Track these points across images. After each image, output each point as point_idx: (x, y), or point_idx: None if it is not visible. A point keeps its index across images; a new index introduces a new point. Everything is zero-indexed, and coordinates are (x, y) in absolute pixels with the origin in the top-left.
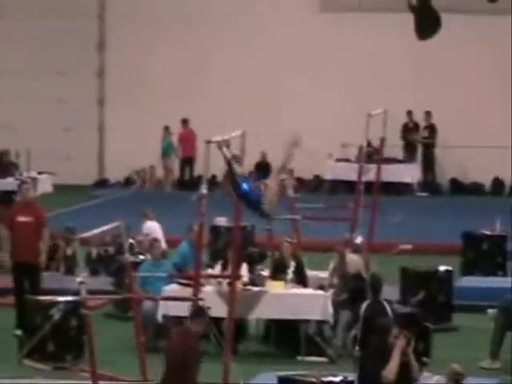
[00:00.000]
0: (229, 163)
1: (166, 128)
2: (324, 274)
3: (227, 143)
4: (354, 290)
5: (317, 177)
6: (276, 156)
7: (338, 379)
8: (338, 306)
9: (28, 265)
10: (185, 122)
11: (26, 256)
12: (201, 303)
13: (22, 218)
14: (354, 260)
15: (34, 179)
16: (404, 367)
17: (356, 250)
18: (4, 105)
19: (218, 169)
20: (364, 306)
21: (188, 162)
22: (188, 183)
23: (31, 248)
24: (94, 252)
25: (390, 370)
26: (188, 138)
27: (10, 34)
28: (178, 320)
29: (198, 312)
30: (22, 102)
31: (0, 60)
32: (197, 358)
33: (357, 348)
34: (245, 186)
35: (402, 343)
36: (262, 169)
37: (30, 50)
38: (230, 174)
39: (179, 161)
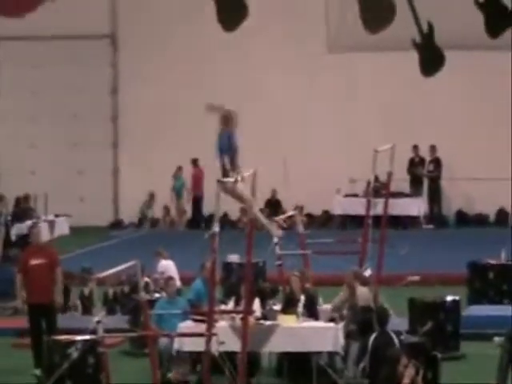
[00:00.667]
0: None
1: (179, 168)
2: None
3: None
4: (362, 322)
5: (326, 212)
6: (286, 194)
7: None
8: (347, 337)
9: (43, 306)
10: (195, 161)
11: (41, 297)
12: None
13: (34, 261)
14: (363, 292)
15: (52, 222)
16: None
17: (365, 282)
18: (21, 150)
19: (230, 206)
20: (372, 337)
21: (198, 200)
22: (198, 222)
23: (46, 289)
24: (111, 291)
25: None
26: (199, 178)
27: (26, 80)
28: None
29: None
30: (38, 147)
31: (16, 106)
32: None
33: (366, 379)
34: None
35: (411, 372)
36: (273, 206)
37: (45, 96)
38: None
39: (192, 200)
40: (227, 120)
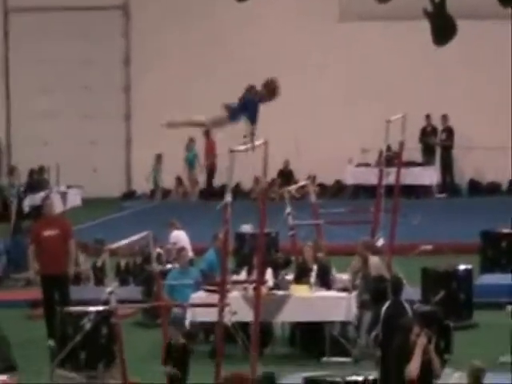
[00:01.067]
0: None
1: (191, 139)
2: (347, 276)
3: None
4: (375, 292)
5: (338, 182)
6: (298, 164)
7: (361, 378)
8: (360, 307)
9: (56, 276)
10: (207, 133)
11: (54, 268)
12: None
13: (47, 232)
14: (375, 262)
15: (64, 193)
16: (426, 365)
17: (377, 252)
18: (34, 121)
19: (243, 177)
20: (384, 307)
21: (211, 171)
22: (211, 192)
23: (59, 260)
24: (123, 262)
25: (413, 367)
26: (211, 149)
27: (37, 52)
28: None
29: None
30: (50, 118)
31: (28, 78)
32: None
33: (378, 348)
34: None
35: (424, 341)
36: (285, 176)
37: (58, 68)
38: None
39: (206, 171)
40: (273, 92)
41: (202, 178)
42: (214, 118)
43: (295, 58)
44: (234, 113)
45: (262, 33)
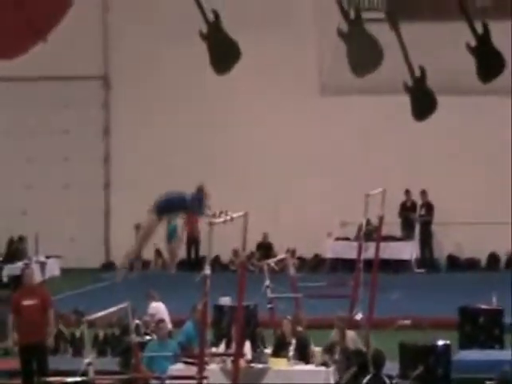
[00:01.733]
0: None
1: None
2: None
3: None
4: (359, 366)
5: (317, 256)
6: (278, 237)
7: None
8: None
9: (35, 346)
10: None
11: (32, 337)
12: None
13: (27, 302)
14: (352, 336)
15: (43, 263)
16: None
17: (355, 326)
18: (15, 190)
19: (222, 249)
20: (365, 381)
21: (193, 242)
22: (193, 264)
23: (38, 330)
24: (101, 333)
25: None
26: (193, 220)
27: (20, 122)
28: None
29: None
30: (29, 189)
31: (10, 147)
32: None
33: None
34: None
35: None
36: (264, 249)
37: (39, 138)
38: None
39: (185, 243)
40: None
41: (181, 250)
42: (146, 224)
43: (275, 131)
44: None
45: (244, 107)
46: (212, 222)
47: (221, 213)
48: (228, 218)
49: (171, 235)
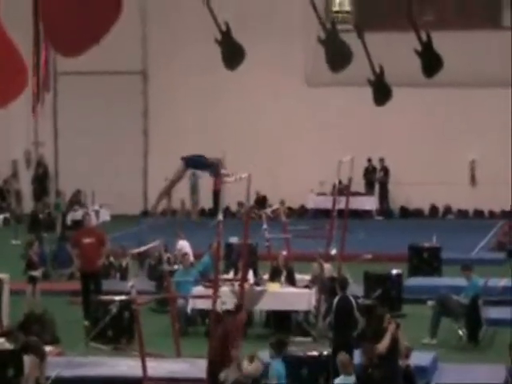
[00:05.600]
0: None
1: (192, 172)
2: (308, 277)
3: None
4: (330, 289)
5: (302, 206)
6: (272, 191)
7: (317, 353)
8: (319, 301)
9: (92, 273)
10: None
11: (90, 267)
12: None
13: (86, 240)
14: (327, 267)
15: (97, 211)
16: (394, 344)
17: (331, 259)
18: (76, 157)
19: (232, 200)
20: (335, 300)
21: (217, 194)
22: (214, 211)
23: (94, 261)
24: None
25: (382, 346)
26: (218, 179)
27: (78, 107)
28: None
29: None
30: (88, 156)
31: (71, 124)
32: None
33: (330, 330)
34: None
35: (394, 327)
36: (260, 202)
37: (94, 119)
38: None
39: (212, 194)
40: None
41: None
42: (176, 172)
43: (273, 113)
44: (189, 163)
45: (248, 94)
46: (225, 181)
47: (231, 175)
48: (238, 178)
49: (193, 189)
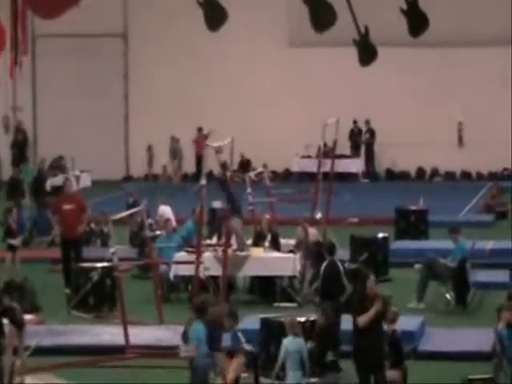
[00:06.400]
0: (223, 167)
1: (173, 137)
2: (292, 242)
3: (220, 149)
4: (315, 254)
5: (287, 170)
6: (257, 154)
7: (303, 319)
8: (304, 266)
9: (73, 240)
10: (200, 129)
11: (71, 234)
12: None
13: (67, 206)
14: (313, 232)
15: (77, 176)
16: (379, 316)
17: (315, 223)
18: (57, 122)
19: (215, 165)
20: (323, 265)
21: (200, 159)
22: (197, 176)
23: (74, 228)
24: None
25: (363, 320)
26: (202, 141)
27: (58, 70)
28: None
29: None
30: (69, 120)
31: (51, 89)
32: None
33: (318, 295)
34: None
35: (379, 305)
36: (244, 165)
37: (74, 82)
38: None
39: (195, 158)
40: None
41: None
42: None
43: (256, 75)
44: None
45: (231, 55)
46: (207, 145)
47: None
48: (221, 144)
49: (175, 153)
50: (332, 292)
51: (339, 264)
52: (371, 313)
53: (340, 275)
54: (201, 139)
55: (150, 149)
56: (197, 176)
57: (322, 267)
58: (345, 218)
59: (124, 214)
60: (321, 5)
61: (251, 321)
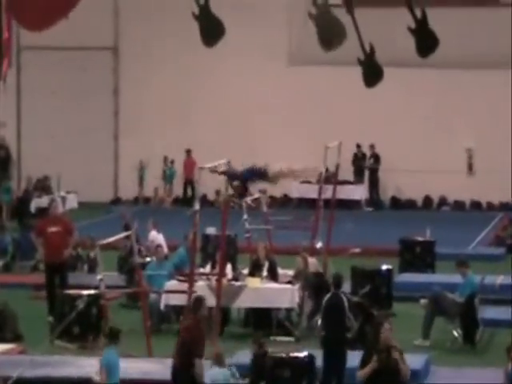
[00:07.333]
0: (224, 173)
1: (166, 158)
2: (291, 272)
3: (215, 168)
4: (315, 286)
5: (285, 195)
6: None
7: (302, 354)
8: (303, 298)
9: (58, 265)
10: (188, 152)
11: (56, 258)
12: (197, 295)
13: (52, 229)
14: (313, 262)
15: (63, 197)
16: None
17: (316, 253)
18: (41, 139)
19: (209, 189)
20: (326, 297)
21: (190, 183)
22: (189, 201)
23: (60, 251)
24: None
25: (363, 374)
26: (191, 165)
27: (44, 83)
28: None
29: (198, 301)
30: (54, 138)
31: (37, 103)
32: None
33: (321, 330)
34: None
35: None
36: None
37: (61, 96)
38: (230, 175)
39: (183, 183)
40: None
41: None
42: None
43: (249, 97)
44: None
45: (229, 73)
46: (201, 167)
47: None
48: (215, 165)
49: (169, 178)
50: (336, 325)
51: (343, 296)
52: (372, 365)
53: (344, 308)
54: (189, 162)
55: (140, 169)
56: (185, 200)
57: (325, 299)
58: (346, 248)
59: (112, 238)
60: (330, 21)
61: (246, 355)
